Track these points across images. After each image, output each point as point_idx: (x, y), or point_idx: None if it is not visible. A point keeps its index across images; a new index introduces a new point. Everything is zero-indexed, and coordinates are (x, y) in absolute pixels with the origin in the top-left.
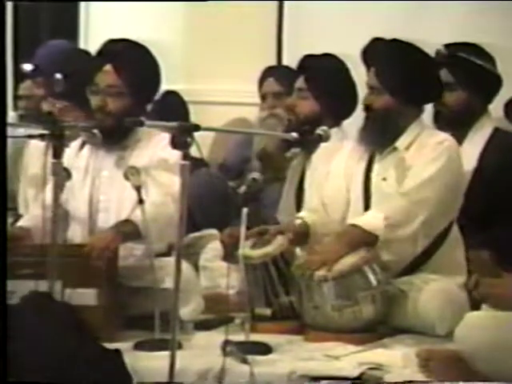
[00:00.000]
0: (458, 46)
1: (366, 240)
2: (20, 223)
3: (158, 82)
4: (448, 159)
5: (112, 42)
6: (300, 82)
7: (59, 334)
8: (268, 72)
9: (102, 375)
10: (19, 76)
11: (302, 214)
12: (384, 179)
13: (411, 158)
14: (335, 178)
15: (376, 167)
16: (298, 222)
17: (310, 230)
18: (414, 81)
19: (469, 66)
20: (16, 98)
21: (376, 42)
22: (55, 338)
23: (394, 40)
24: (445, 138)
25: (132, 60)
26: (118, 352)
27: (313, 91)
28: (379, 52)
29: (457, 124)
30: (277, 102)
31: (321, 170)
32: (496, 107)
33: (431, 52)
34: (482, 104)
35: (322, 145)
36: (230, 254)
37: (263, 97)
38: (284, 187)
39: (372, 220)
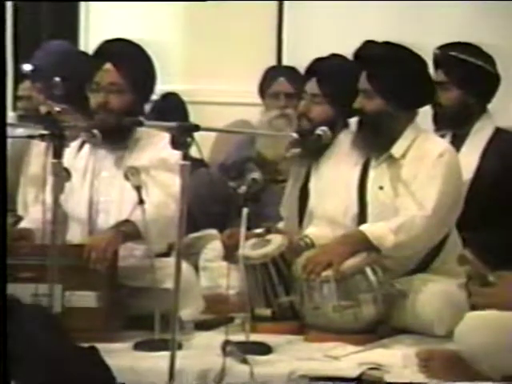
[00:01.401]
0: (451, 46)
1: (370, 249)
2: (22, 224)
3: (155, 79)
4: (450, 175)
5: (108, 42)
6: (313, 87)
7: (30, 337)
8: (277, 71)
9: (78, 374)
10: (19, 76)
11: (308, 231)
12: (381, 188)
13: (409, 168)
14: (339, 184)
15: (372, 174)
16: (306, 240)
17: (314, 245)
18: (406, 84)
19: (461, 64)
20: (16, 98)
21: (368, 44)
22: (25, 341)
23: (386, 42)
24: (444, 148)
25: (130, 58)
26: (94, 349)
27: (327, 96)
28: (371, 55)
29: (455, 123)
30: (288, 102)
31: (327, 173)
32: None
33: (429, 53)
34: (480, 103)
35: (331, 148)
36: (230, 254)
37: (273, 96)
38: (287, 184)
39: (382, 234)
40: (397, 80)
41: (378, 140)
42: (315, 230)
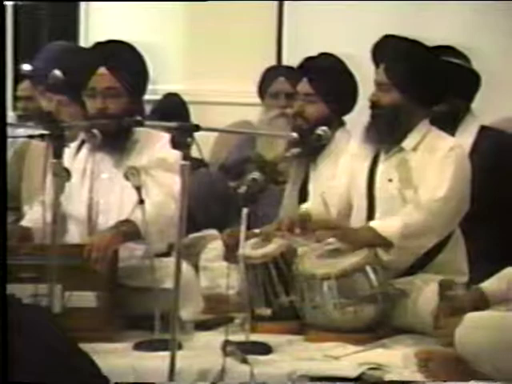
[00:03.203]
0: (434, 50)
1: (378, 243)
2: (21, 223)
3: (148, 77)
4: (461, 168)
5: (99, 44)
6: (305, 87)
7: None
8: (276, 71)
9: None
10: (19, 77)
11: (305, 205)
12: (390, 180)
13: (419, 161)
14: (339, 178)
15: (381, 167)
16: (301, 210)
17: (311, 219)
18: (423, 79)
19: (449, 68)
20: (15, 98)
21: (387, 38)
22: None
23: (406, 38)
24: (455, 143)
25: (124, 60)
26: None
27: (321, 95)
28: (390, 49)
29: (443, 125)
30: (288, 102)
31: (326, 173)
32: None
33: None
34: (465, 104)
35: (329, 147)
36: (230, 253)
37: (273, 96)
38: (287, 187)
39: (389, 226)
40: (414, 74)
41: (391, 133)
42: (314, 208)
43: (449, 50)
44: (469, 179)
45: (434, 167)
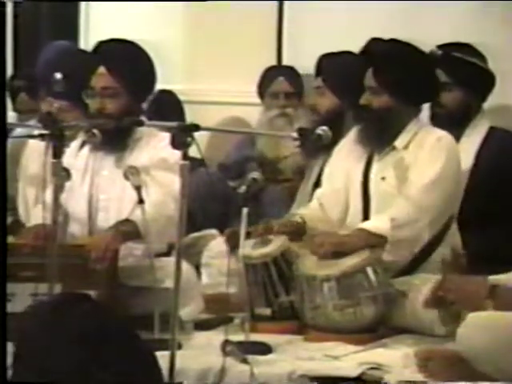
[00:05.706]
0: (451, 46)
1: (374, 242)
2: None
3: (153, 78)
4: (448, 157)
5: (102, 43)
6: (317, 81)
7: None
8: (276, 71)
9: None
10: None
11: (300, 210)
12: (383, 178)
13: (410, 157)
14: (333, 178)
15: (375, 167)
16: (297, 218)
17: (306, 226)
18: (412, 80)
19: (464, 66)
20: (14, 99)
21: (374, 41)
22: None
23: (392, 40)
24: (442, 134)
25: (124, 59)
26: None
27: (330, 86)
28: (377, 52)
29: (454, 124)
30: (288, 101)
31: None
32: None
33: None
34: (478, 102)
35: (340, 143)
36: (232, 253)
37: (273, 95)
38: (301, 184)
39: (378, 222)
40: (403, 76)
41: (383, 134)
42: (310, 213)
43: (464, 47)
44: (459, 166)
45: (423, 158)
